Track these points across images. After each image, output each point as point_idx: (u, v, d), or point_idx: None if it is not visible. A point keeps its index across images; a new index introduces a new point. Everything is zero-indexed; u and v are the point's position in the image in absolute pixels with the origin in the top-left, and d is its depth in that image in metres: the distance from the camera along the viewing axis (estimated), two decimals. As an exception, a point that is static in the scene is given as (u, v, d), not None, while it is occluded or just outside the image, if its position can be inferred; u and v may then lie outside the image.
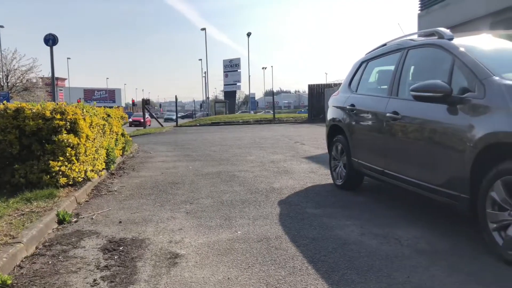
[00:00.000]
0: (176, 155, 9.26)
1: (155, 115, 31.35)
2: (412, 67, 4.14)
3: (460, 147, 2.98)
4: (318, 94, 24.60)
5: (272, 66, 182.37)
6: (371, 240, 3.22)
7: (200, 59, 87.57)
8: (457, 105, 3.08)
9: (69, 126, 5.06)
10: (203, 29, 55.34)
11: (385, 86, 4.36)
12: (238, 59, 60.43)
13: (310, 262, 2.81)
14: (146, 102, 24.86)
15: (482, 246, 2.89)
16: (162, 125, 24.44)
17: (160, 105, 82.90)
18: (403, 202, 4.36)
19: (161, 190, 5.35)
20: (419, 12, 14.59)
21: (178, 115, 28.19)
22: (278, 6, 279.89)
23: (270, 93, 75.80)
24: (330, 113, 5.56)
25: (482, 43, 3.62)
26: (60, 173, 4.80)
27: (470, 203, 2.93)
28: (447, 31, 3.71)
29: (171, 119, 37.37)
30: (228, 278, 2.62)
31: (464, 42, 3.49)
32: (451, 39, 3.56)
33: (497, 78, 2.87)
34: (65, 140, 4.87)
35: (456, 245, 3.02)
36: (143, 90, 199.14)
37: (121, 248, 3.21)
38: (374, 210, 4.12)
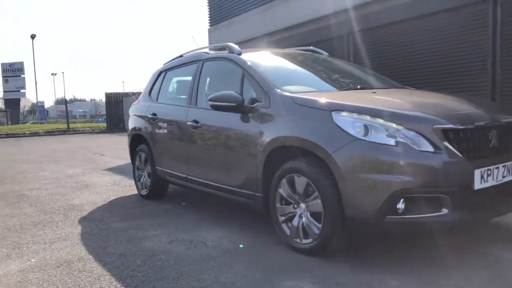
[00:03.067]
0: None
1: None
2: (208, 78, 4.41)
3: (253, 151, 3.33)
4: (116, 103, 23.89)
5: (63, 73, 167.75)
6: (179, 246, 3.29)
7: (-30, 62, 73.56)
8: (249, 113, 3.42)
9: None
10: (-28, 26, 46.94)
11: (185, 96, 4.52)
12: (21, 63, 53.39)
13: (118, 280, 2.70)
14: None
15: (276, 238, 3.27)
16: None
17: None
18: (207, 206, 4.59)
19: None
20: (209, 27, 15.68)
21: None
22: (68, 8, 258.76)
23: (62, 101, 69.42)
24: (132, 122, 5.45)
25: (264, 59, 4.11)
26: None
27: (264, 201, 3.29)
28: (236, 46, 4.08)
29: None
30: (23, 314, 2.30)
31: (251, 57, 3.89)
32: (240, 54, 3.93)
33: (278, 90, 3.31)
34: None
35: (255, 241, 3.34)
36: None
37: None
38: (180, 216, 4.21)
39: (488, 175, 2.69)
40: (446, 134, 2.63)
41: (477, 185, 2.63)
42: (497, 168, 2.75)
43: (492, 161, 2.75)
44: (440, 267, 2.66)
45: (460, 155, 2.61)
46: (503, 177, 2.80)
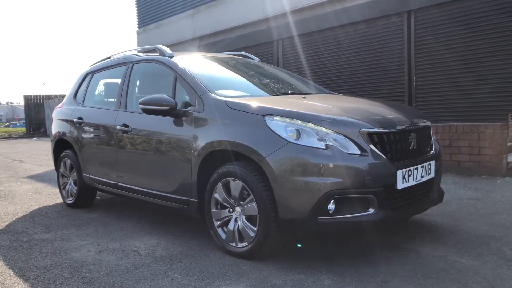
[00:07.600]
0: None
1: None
2: (138, 81, 4.29)
3: (187, 155, 3.29)
4: (37, 106, 22.66)
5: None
6: (110, 256, 3.16)
7: None
8: (182, 117, 3.37)
9: None
10: None
11: (113, 99, 4.36)
12: None
13: (43, 295, 2.53)
14: None
15: (211, 243, 3.25)
16: None
17: None
18: (138, 213, 4.45)
19: None
20: (137, 29, 15.30)
21: None
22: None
23: (-27, 104, 63.67)
24: (56, 127, 5.15)
25: (197, 63, 4.09)
26: None
27: (199, 206, 3.26)
28: (167, 49, 4.01)
29: None
30: None
31: (183, 60, 3.84)
32: (172, 56, 3.87)
33: (212, 94, 3.30)
34: None
35: (189, 247, 3.29)
36: None
37: None
38: (109, 225, 4.04)
39: (409, 175, 2.90)
40: (372, 137, 2.79)
41: (400, 185, 2.82)
42: (416, 168, 2.97)
43: (412, 162, 2.96)
44: (368, 265, 2.80)
45: (384, 157, 2.78)
46: (421, 177, 3.03)
